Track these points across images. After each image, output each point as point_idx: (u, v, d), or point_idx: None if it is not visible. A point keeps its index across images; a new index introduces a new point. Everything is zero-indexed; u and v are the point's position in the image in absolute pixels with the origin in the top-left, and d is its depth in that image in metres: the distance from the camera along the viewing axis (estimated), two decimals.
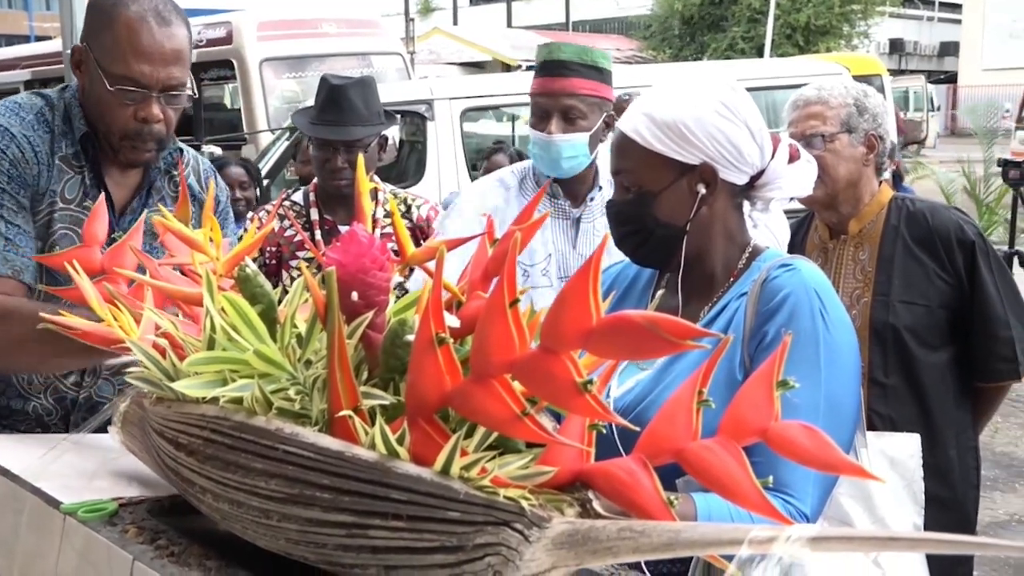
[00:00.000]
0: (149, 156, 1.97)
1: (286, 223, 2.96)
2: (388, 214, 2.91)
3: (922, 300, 2.37)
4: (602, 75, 2.48)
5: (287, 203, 3.03)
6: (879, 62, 13.03)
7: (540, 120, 2.47)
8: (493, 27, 32.63)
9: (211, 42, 10.55)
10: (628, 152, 1.58)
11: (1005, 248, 6.16)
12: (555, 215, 2.56)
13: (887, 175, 2.60)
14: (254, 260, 2.80)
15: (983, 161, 7.91)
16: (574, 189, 2.55)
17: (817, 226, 2.56)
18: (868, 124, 2.43)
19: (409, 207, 3.02)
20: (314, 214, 2.98)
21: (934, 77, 35.09)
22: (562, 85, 2.44)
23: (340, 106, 2.87)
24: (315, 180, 3.05)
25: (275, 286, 2.81)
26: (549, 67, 2.47)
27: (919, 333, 2.37)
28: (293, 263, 2.91)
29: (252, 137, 9.56)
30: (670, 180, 1.56)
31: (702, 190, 1.56)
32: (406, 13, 26.44)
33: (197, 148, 8.23)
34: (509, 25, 33.97)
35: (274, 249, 2.94)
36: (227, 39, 10.34)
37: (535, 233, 1.28)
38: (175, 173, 2.12)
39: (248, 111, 9.98)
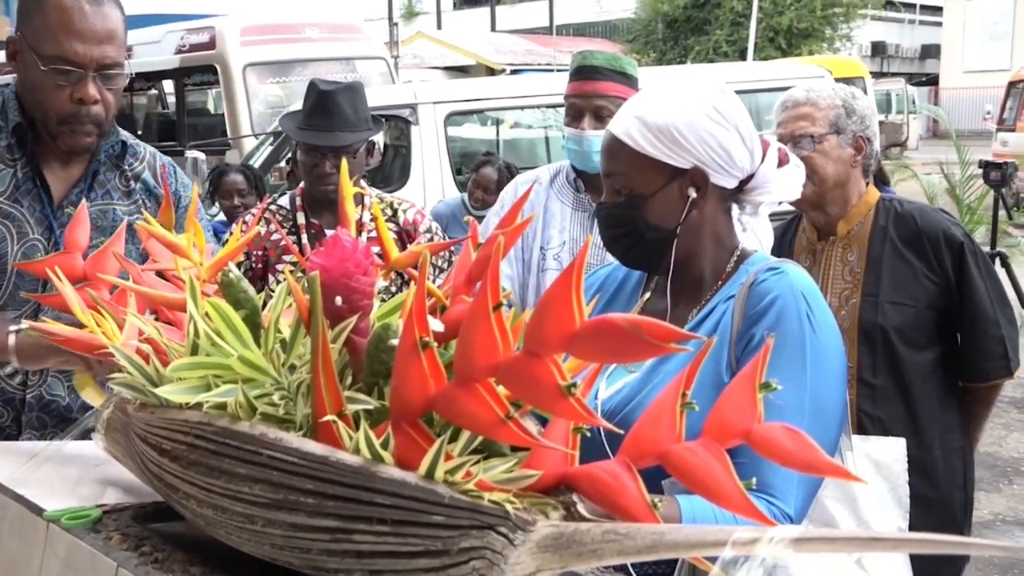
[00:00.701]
0: (89, 141, 1.95)
1: (272, 227, 2.96)
2: (374, 218, 2.90)
3: (910, 301, 2.38)
4: (629, 80, 2.77)
5: (273, 207, 3.03)
6: (861, 65, 13.12)
7: (574, 119, 2.78)
8: (477, 31, 32.64)
9: (194, 47, 10.54)
10: (619, 155, 1.58)
11: (987, 249, 6.20)
12: (576, 207, 2.86)
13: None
14: (240, 264, 2.82)
15: (958, 163, 7.98)
16: (597, 183, 2.78)
17: (805, 228, 2.56)
18: (856, 126, 2.44)
19: (395, 211, 3.02)
20: (300, 218, 2.98)
21: (916, 79, 35.28)
22: (594, 88, 2.75)
23: (329, 112, 2.87)
24: (301, 184, 3.05)
25: (261, 290, 2.83)
26: (583, 72, 2.79)
27: (907, 334, 2.38)
28: (280, 267, 2.91)
29: (236, 142, 9.54)
30: (661, 184, 1.56)
31: (693, 194, 1.57)
32: (389, 17, 26.49)
33: (180, 153, 8.21)
34: (493, 29, 33.98)
35: (260, 253, 2.94)
36: (210, 44, 10.33)
37: (521, 234, 1.28)
38: (125, 168, 2.09)
39: (232, 116, 9.96)
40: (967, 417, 2.51)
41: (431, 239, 2.97)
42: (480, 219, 5.20)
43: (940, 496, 2.40)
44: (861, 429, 2.32)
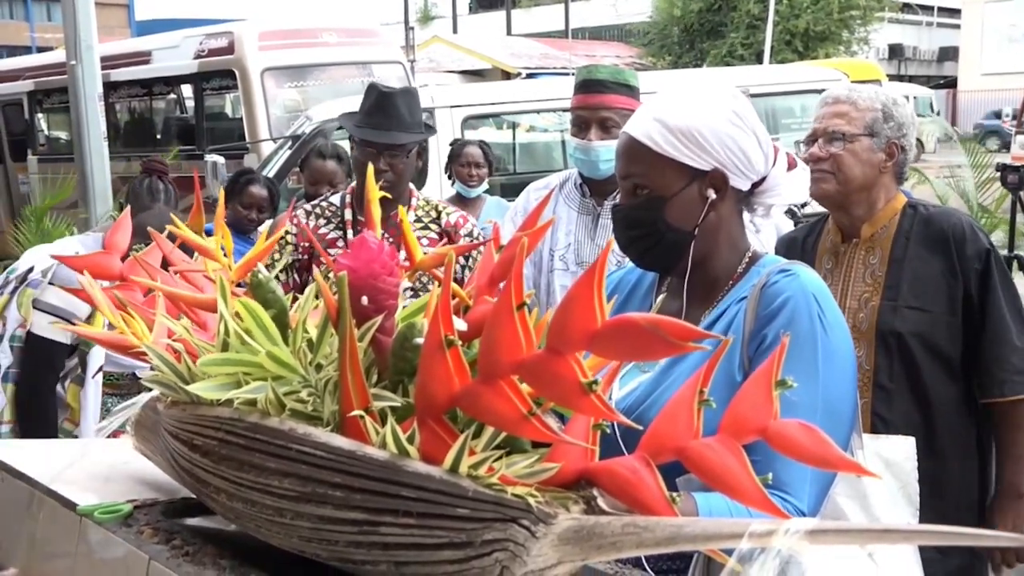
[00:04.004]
0: None
1: (320, 221, 3.11)
2: (418, 219, 3.04)
3: (929, 306, 2.35)
4: (632, 91, 2.92)
5: (324, 203, 3.18)
6: (878, 67, 13.11)
7: (580, 130, 2.92)
8: (493, 35, 32.70)
9: (213, 52, 10.61)
10: (639, 157, 1.60)
11: (1005, 252, 6.16)
12: (581, 210, 3.02)
13: None
14: (286, 248, 3.00)
15: (972, 167, 7.97)
16: (602, 189, 2.97)
17: (830, 229, 2.54)
18: (892, 132, 2.41)
19: (439, 213, 3.15)
20: (348, 214, 3.11)
21: (933, 82, 35.13)
22: (599, 100, 2.89)
23: (387, 112, 3.01)
24: (352, 183, 3.21)
25: (306, 281, 3.03)
26: (588, 85, 2.92)
27: (925, 339, 2.36)
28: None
29: (254, 146, 9.60)
30: (681, 185, 1.59)
31: (712, 195, 1.59)
32: (406, 22, 26.54)
33: (199, 157, 8.20)
34: (509, 33, 34.02)
35: (307, 245, 3.07)
36: (229, 49, 10.40)
37: (542, 236, 1.32)
38: None
39: (250, 120, 10.02)
40: (998, 445, 2.40)
41: (471, 241, 3.07)
42: (472, 200, 5.29)
43: (951, 508, 2.34)
44: (875, 432, 2.26)
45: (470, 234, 3.11)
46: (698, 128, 1.57)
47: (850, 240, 2.48)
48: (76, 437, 3.06)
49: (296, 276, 3.06)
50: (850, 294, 2.43)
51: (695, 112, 1.58)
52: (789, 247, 2.58)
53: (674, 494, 1.00)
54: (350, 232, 3.07)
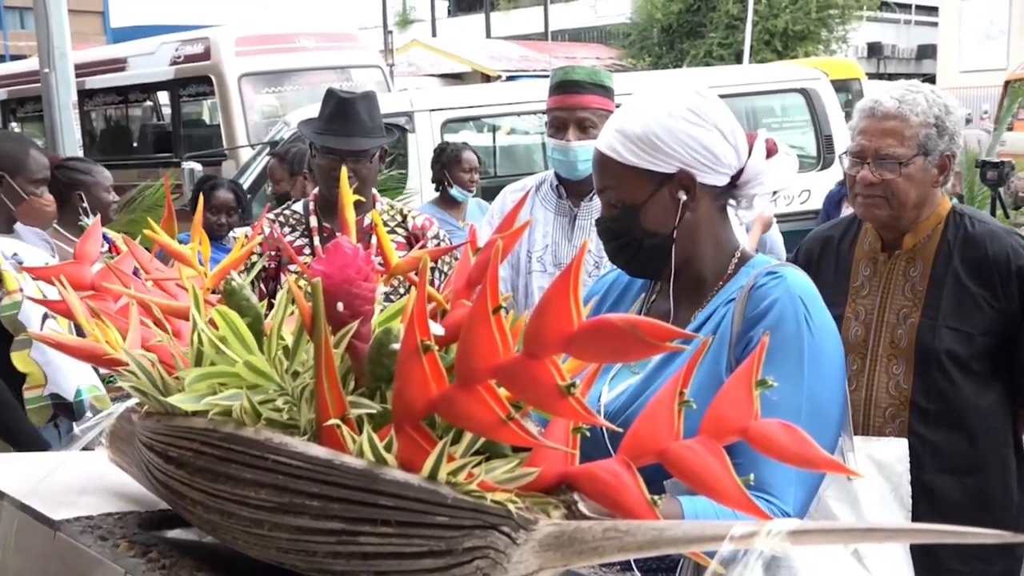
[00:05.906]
0: None
1: (285, 230, 3.10)
2: (384, 223, 3.02)
3: (968, 327, 2.27)
4: (607, 92, 2.95)
5: (287, 212, 3.16)
6: (857, 66, 13.15)
7: (558, 130, 2.94)
8: (472, 38, 32.69)
9: (189, 58, 10.59)
10: (607, 169, 1.62)
11: None
12: (558, 212, 3.04)
13: None
14: (254, 264, 2.95)
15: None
16: (578, 190, 3.00)
17: (867, 231, 2.42)
18: (945, 145, 2.26)
19: (404, 217, 3.14)
20: (313, 221, 3.10)
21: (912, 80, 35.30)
22: (576, 101, 2.91)
23: (348, 117, 3.00)
24: (315, 191, 3.18)
25: (272, 290, 3.03)
26: (565, 86, 2.95)
27: (965, 360, 2.28)
28: (292, 267, 3.01)
29: (232, 153, 9.56)
30: (651, 191, 1.59)
31: (683, 197, 1.59)
32: (384, 25, 26.56)
33: (176, 165, 8.16)
34: (488, 36, 34.02)
35: (274, 253, 3.07)
36: (205, 55, 10.37)
37: (518, 239, 1.31)
38: None
39: (228, 127, 10.00)
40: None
41: (438, 244, 3.06)
42: (460, 203, 5.35)
43: (997, 522, 2.24)
44: (913, 452, 2.18)
45: (436, 236, 3.12)
46: (654, 132, 1.57)
47: (891, 250, 2.36)
48: (48, 398, 2.94)
49: (262, 285, 3.04)
50: (889, 308, 2.33)
51: (649, 117, 1.58)
52: (824, 246, 2.48)
53: (656, 497, 0.99)
54: (316, 239, 3.06)
